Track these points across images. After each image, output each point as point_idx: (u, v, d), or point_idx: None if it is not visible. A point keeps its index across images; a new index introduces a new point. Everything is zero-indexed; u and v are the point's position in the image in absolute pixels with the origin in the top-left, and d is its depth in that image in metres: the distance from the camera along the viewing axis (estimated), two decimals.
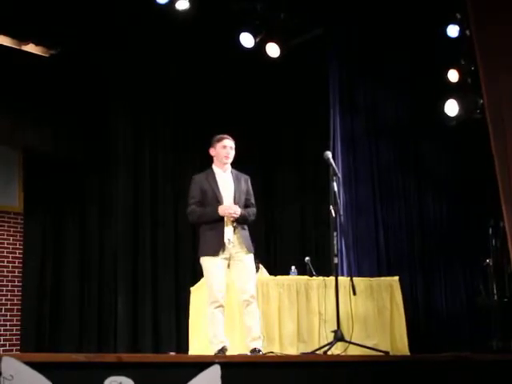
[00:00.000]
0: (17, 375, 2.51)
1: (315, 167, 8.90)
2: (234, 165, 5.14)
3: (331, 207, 5.24)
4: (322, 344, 5.39)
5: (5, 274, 8.30)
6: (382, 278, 7.16)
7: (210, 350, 4.82)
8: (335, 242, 5.25)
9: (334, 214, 5.23)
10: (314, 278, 6.70)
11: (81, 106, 8.47)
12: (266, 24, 7.79)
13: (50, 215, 8.58)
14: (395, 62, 8.40)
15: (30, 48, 8.03)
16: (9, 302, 8.27)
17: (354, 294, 5.22)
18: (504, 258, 6.71)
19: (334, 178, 5.26)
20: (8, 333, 8.18)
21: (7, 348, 8.10)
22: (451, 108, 7.99)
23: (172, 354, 6.84)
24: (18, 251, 8.46)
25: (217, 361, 2.93)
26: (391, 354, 5.55)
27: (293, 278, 6.67)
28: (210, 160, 5.16)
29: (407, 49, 8.27)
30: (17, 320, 8.28)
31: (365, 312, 6.62)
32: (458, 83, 7.94)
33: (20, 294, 8.36)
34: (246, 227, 4.99)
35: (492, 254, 7.02)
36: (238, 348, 5.25)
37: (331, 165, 5.32)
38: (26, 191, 8.55)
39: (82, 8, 7.50)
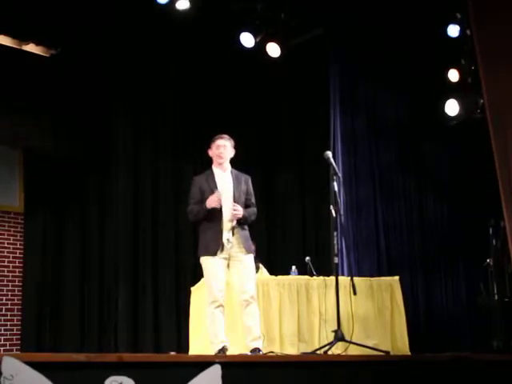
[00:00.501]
0: (17, 375, 2.51)
1: (315, 167, 8.88)
2: (234, 165, 5.15)
3: (331, 207, 5.24)
4: (323, 344, 5.39)
5: (5, 273, 8.31)
6: (383, 278, 7.16)
7: (210, 350, 4.83)
8: (335, 241, 5.25)
9: (334, 214, 5.23)
10: (315, 277, 6.70)
11: (81, 106, 8.47)
12: (266, 24, 7.79)
13: (51, 215, 8.58)
14: (395, 61, 8.41)
15: (30, 48, 8.03)
16: (9, 302, 8.27)
17: (355, 293, 5.22)
18: (504, 258, 6.70)
19: (335, 177, 5.26)
20: (8, 332, 8.18)
21: (8, 348, 8.10)
22: (451, 108, 7.99)
23: (172, 353, 6.82)
24: (18, 251, 8.46)
25: (217, 360, 2.93)
26: (392, 353, 5.55)
27: (293, 278, 6.67)
28: (210, 160, 5.18)
29: (407, 49, 8.27)
30: (17, 320, 8.28)
31: (365, 312, 6.62)
32: (458, 83, 7.95)
33: (20, 293, 8.36)
34: (245, 227, 4.99)
35: (492, 254, 7.01)
36: (238, 348, 5.25)
37: (331, 165, 5.32)
38: (27, 191, 8.56)
39: (82, 8, 7.50)
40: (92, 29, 7.86)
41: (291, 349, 6.13)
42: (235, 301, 5.44)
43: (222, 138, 5.07)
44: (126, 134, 8.83)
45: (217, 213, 4.88)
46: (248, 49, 7.93)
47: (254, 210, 5.09)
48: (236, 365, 3.15)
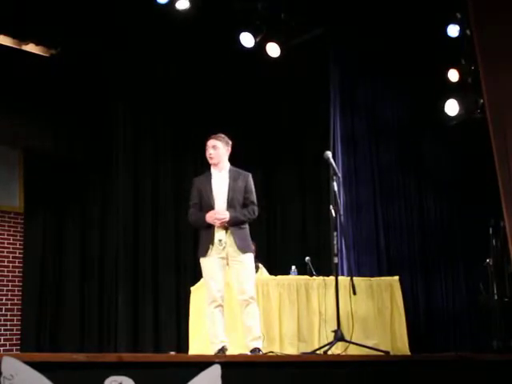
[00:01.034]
0: (17, 375, 2.51)
1: (315, 167, 8.89)
2: (234, 165, 5.14)
3: (331, 207, 5.24)
4: (322, 344, 5.39)
5: (5, 273, 8.32)
6: (383, 278, 7.16)
7: (210, 350, 4.83)
8: (335, 241, 5.25)
9: (334, 214, 5.23)
10: (314, 277, 6.70)
11: (81, 106, 8.48)
12: (266, 24, 7.78)
13: (51, 215, 8.59)
14: (395, 62, 8.40)
15: (30, 48, 8.03)
16: (9, 302, 8.28)
17: (354, 293, 5.21)
18: (504, 258, 6.70)
19: (334, 177, 5.26)
20: (8, 332, 8.19)
21: (7, 348, 8.11)
22: (451, 108, 7.99)
23: (172, 353, 6.82)
24: (18, 251, 8.47)
25: (217, 360, 2.93)
26: (391, 353, 5.54)
27: (293, 278, 6.68)
28: None
29: (407, 49, 8.27)
30: (17, 320, 8.29)
31: (365, 312, 6.62)
32: (458, 83, 7.94)
33: (20, 293, 8.37)
34: (243, 226, 4.94)
35: (492, 254, 7.01)
36: (238, 348, 5.25)
37: (331, 165, 5.32)
38: (27, 191, 8.57)
39: (82, 8, 7.50)
40: (92, 29, 7.86)
41: (291, 349, 6.13)
42: (235, 301, 5.43)
43: (211, 138, 5.06)
44: (126, 134, 8.83)
45: None
46: (248, 49, 7.93)
47: (252, 208, 5.00)
48: (236, 365, 3.14)
